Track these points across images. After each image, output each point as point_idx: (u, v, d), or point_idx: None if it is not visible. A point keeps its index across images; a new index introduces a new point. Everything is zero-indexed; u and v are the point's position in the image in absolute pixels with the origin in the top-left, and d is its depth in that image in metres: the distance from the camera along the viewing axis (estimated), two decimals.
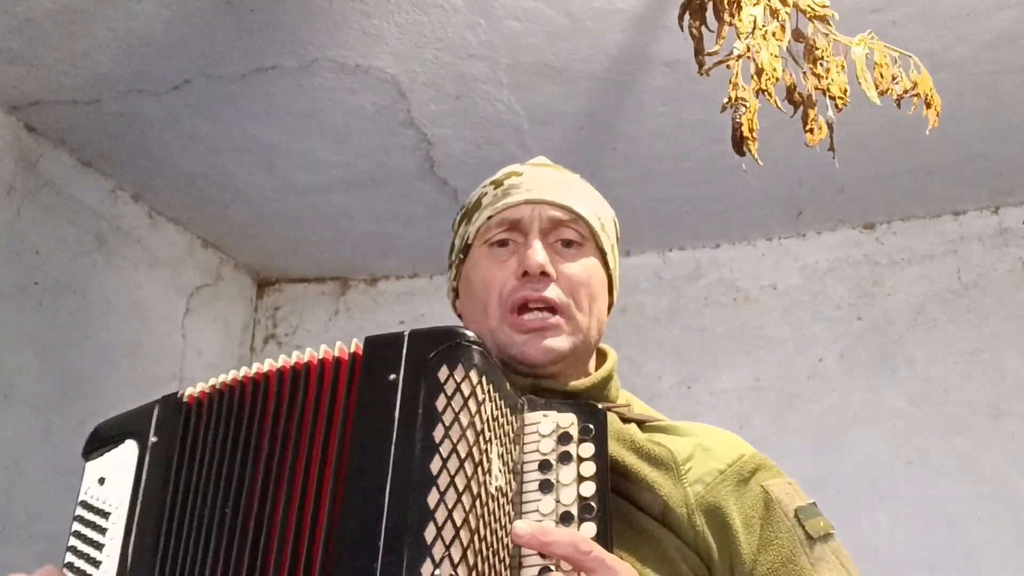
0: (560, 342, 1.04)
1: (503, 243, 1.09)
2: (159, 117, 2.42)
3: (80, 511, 1.00)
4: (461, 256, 1.14)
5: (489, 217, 1.10)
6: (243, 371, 0.95)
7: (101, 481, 1.00)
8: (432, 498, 0.77)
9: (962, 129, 2.38)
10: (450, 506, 0.77)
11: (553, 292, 1.04)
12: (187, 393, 0.98)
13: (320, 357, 0.91)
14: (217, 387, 0.96)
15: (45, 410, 2.46)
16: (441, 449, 0.79)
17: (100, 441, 1.04)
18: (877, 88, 1.53)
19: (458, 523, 0.76)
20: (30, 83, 2.28)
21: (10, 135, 2.43)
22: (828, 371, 2.81)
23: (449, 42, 2.13)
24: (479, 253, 1.10)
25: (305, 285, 3.43)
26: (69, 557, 0.96)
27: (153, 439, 0.97)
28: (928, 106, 1.54)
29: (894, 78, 1.54)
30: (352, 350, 0.89)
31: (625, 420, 1.05)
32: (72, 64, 2.21)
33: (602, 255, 1.12)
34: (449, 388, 0.81)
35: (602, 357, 1.14)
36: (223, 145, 2.55)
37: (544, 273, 1.04)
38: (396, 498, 0.78)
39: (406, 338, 0.85)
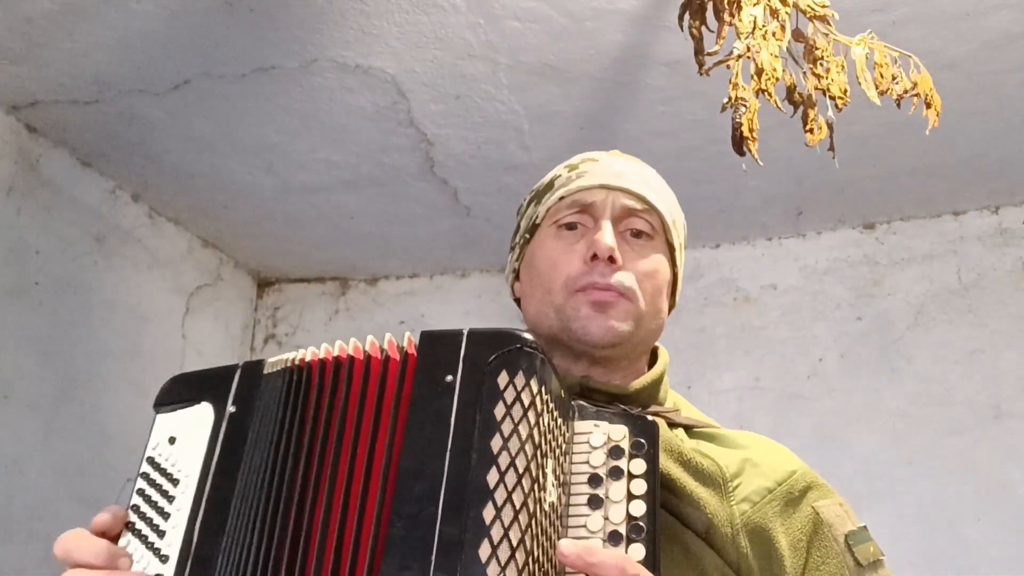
0: (622, 324, 1.01)
1: (572, 226, 1.05)
2: (159, 117, 2.42)
3: (147, 467, 0.94)
4: (527, 236, 1.10)
5: (561, 198, 1.07)
6: (312, 351, 0.91)
7: (172, 440, 0.94)
8: (488, 513, 0.73)
9: (962, 129, 2.38)
10: (506, 524, 0.73)
11: (619, 279, 1.01)
12: (269, 363, 0.94)
13: (366, 350, 0.87)
14: (288, 364, 0.91)
15: (45, 410, 2.46)
16: (499, 461, 0.75)
17: (175, 396, 0.98)
18: (877, 88, 1.53)
19: (514, 543, 0.73)
20: (30, 83, 2.29)
21: (10, 135, 2.43)
22: (828, 371, 2.81)
23: (449, 42, 2.13)
24: (547, 233, 1.07)
25: (305, 285, 3.43)
26: (131, 517, 0.91)
27: (231, 409, 0.93)
28: (928, 106, 1.54)
29: (894, 78, 1.54)
30: (405, 345, 0.86)
31: (672, 425, 1.02)
32: (72, 64, 2.21)
33: (671, 251, 1.09)
34: (508, 396, 0.78)
35: (652, 356, 1.11)
36: (223, 145, 2.55)
37: (612, 258, 1.01)
38: (450, 509, 0.75)
39: (464, 337, 0.82)
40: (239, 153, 2.59)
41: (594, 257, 1.01)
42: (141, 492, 0.93)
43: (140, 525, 0.91)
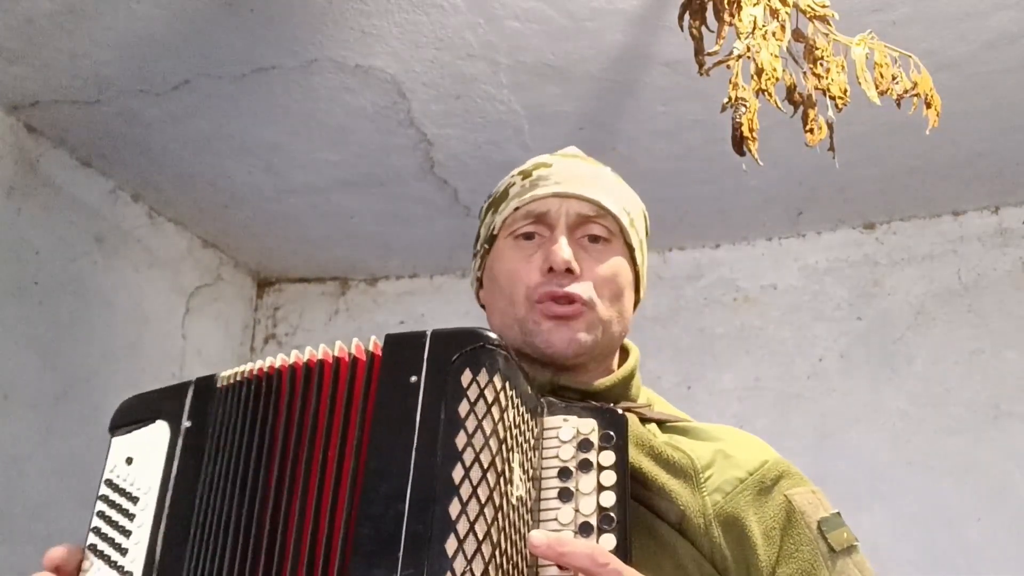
0: (584, 335, 1.02)
1: (529, 236, 1.07)
2: (159, 117, 2.42)
3: (105, 490, 0.96)
4: (486, 246, 1.12)
5: (516, 208, 1.08)
6: (269, 361, 0.92)
7: (129, 461, 0.96)
8: (454, 508, 0.75)
9: (962, 129, 2.38)
10: (472, 518, 0.74)
11: (578, 288, 1.03)
12: (221, 377, 0.95)
13: (335, 354, 0.89)
14: (246, 375, 0.93)
15: (45, 410, 2.46)
16: (464, 457, 0.76)
17: (129, 417, 0.99)
18: (877, 88, 1.53)
19: (480, 536, 0.74)
20: (30, 83, 2.28)
21: (10, 135, 2.43)
22: (828, 371, 2.81)
23: (449, 42, 2.13)
24: (504, 244, 1.09)
25: (305, 285, 3.43)
26: (93, 539, 0.93)
27: (187, 424, 0.94)
28: (928, 106, 1.54)
29: (894, 78, 1.54)
30: (370, 348, 0.87)
31: (644, 420, 1.03)
32: (72, 64, 2.21)
33: (630, 251, 1.10)
34: (472, 393, 0.79)
35: (623, 354, 1.13)
36: (223, 145, 2.55)
37: (569, 270, 1.02)
38: (417, 506, 0.76)
39: (428, 339, 0.83)
40: (239, 153, 2.59)
41: (550, 270, 1.03)
42: (101, 514, 0.94)
43: (102, 546, 0.92)
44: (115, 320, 2.73)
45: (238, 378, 0.94)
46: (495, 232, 1.11)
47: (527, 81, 2.26)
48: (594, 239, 1.07)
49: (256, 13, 2.04)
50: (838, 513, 1.01)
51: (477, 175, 2.66)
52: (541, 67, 2.21)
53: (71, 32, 2.09)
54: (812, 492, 1.02)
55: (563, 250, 1.03)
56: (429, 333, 0.84)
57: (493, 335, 0.83)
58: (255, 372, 0.92)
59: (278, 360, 0.91)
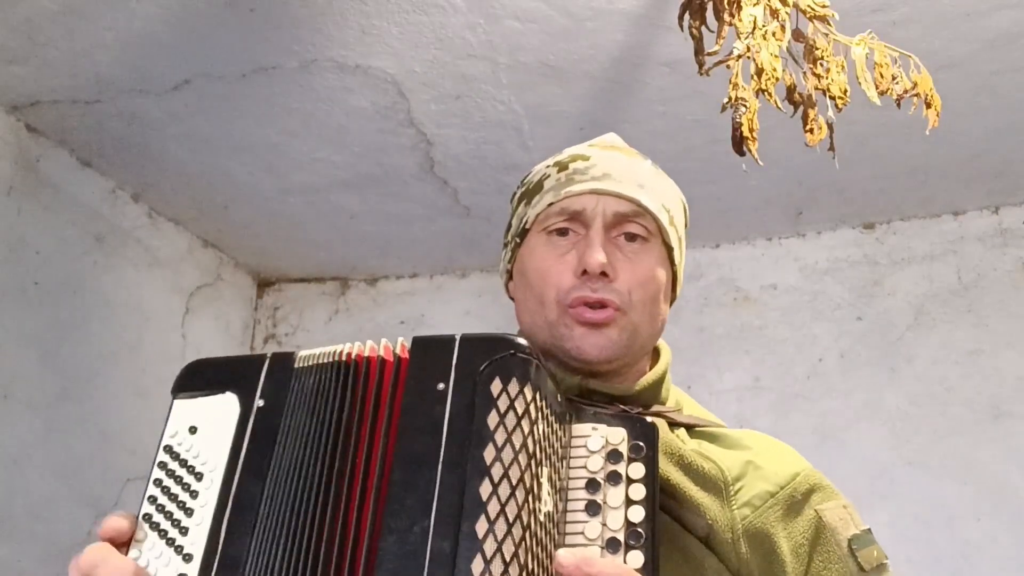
0: (616, 339, 0.99)
1: (563, 232, 1.03)
2: (159, 117, 2.42)
3: (164, 457, 0.89)
4: (518, 240, 1.08)
5: (550, 204, 1.04)
6: (349, 346, 0.87)
7: (192, 430, 0.89)
8: (481, 527, 0.72)
9: (962, 129, 2.38)
10: (500, 537, 0.72)
11: (611, 294, 0.99)
12: (300, 357, 0.90)
13: (366, 354, 0.85)
14: (325, 358, 0.88)
15: (45, 410, 2.46)
16: (492, 472, 0.74)
17: (196, 381, 0.93)
18: (877, 88, 1.53)
19: (507, 557, 0.71)
20: (30, 83, 2.28)
21: (10, 135, 2.43)
22: (828, 371, 2.81)
23: (449, 42, 2.13)
24: (537, 240, 1.05)
25: (305, 285, 3.43)
26: (148, 508, 0.87)
27: (260, 403, 0.88)
28: (928, 106, 1.54)
29: (894, 78, 1.54)
30: (397, 350, 0.84)
31: (674, 425, 1.01)
32: (72, 64, 2.21)
33: (668, 250, 1.06)
34: (502, 404, 0.76)
35: (655, 353, 1.10)
36: (223, 145, 2.55)
37: (603, 273, 0.99)
38: (443, 522, 0.73)
39: (456, 344, 0.80)
40: (239, 153, 2.59)
41: (584, 272, 0.99)
42: (159, 483, 0.88)
43: (159, 519, 0.87)
44: (115, 320, 2.73)
45: (315, 361, 0.89)
46: (527, 226, 1.06)
47: (527, 81, 2.26)
48: (631, 238, 1.03)
49: (256, 13, 2.04)
50: (869, 529, 0.99)
51: (477, 175, 2.66)
52: (541, 67, 2.21)
53: (71, 32, 2.09)
54: (843, 507, 1.00)
55: (598, 253, 0.99)
56: (458, 338, 0.81)
57: (524, 342, 0.80)
58: (331, 357, 0.87)
59: (355, 347, 0.87)
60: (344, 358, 0.86)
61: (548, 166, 1.09)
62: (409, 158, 2.59)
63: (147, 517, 0.87)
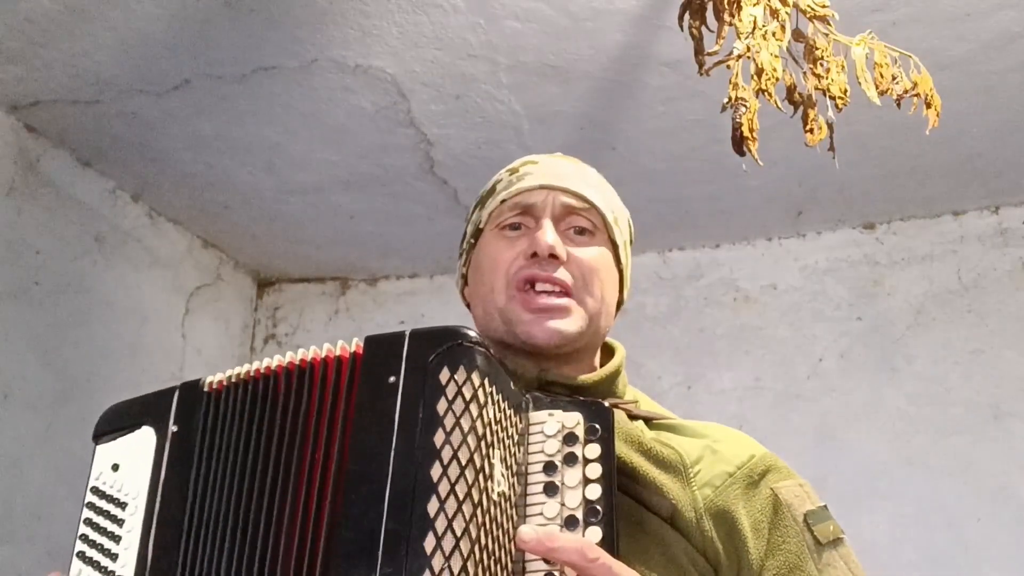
0: (567, 324, 1.02)
1: (515, 227, 1.07)
2: (159, 117, 2.42)
3: (91, 497, 0.95)
4: (472, 241, 1.12)
5: (503, 201, 1.09)
6: (255, 365, 0.92)
7: (115, 467, 0.95)
8: (432, 506, 0.75)
9: (962, 129, 2.38)
10: (450, 515, 0.75)
11: (562, 274, 1.03)
12: (207, 382, 0.95)
13: (323, 356, 0.89)
14: (233, 379, 0.93)
15: (45, 410, 2.46)
16: (442, 455, 0.77)
17: (113, 425, 0.99)
18: (877, 88, 1.53)
19: (458, 533, 0.74)
20: (30, 83, 2.28)
21: (10, 135, 2.43)
22: (828, 371, 2.81)
23: (449, 42, 2.13)
24: (490, 236, 1.09)
25: (305, 285, 3.43)
26: (81, 546, 0.93)
27: (173, 428, 0.93)
28: (928, 106, 1.54)
29: (894, 78, 1.54)
30: (353, 349, 0.87)
31: (632, 417, 1.03)
32: (72, 64, 2.21)
33: (614, 247, 1.10)
34: (450, 391, 0.79)
35: (608, 353, 1.12)
36: (223, 145, 2.55)
37: (554, 255, 1.02)
38: (395, 506, 0.76)
39: (406, 338, 0.83)
40: (239, 153, 2.59)
41: (534, 255, 1.02)
42: (88, 521, 0.94)
43: (91, 552, 0.91)
44: (115, 320, 2.73)
45: (225, 382, 0.93)
46: (481, 226, 1.11)
47: (527, 81, 2.26)
48: (580, 231, 1.07)
49: (256, 13, 2.04)
50: (825, 506, 1.02)
51: (477, 175, 2.65)
52: (541, 67, 2.21)
53: (71, 32, 2.09)
54: (799, 485, 1.02)
55: (548, 235, 1.03)
56: (408, 333, 0.84)
57: (472, 332, 0.83)
58: (242, 376, 0.92)
59: (263, 363, 0.91)
60: (254, 374, 0.91)
61: (500, 173, 1.14)
62: (409, 158, 2.59)
63: (80, 555, 0.92)
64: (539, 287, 1.02)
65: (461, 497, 0.76)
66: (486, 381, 0.81)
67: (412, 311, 3.30)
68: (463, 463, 0.77)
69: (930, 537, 2.54)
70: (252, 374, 0.92)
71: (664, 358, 2.96)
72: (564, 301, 1.02)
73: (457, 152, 2.55)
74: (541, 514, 0.83)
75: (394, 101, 2.35)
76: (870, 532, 2.57)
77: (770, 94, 1.50)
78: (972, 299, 2.73)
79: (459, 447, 0.77)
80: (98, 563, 0.90)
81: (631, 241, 1.16)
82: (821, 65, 1.54)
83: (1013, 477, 2.52)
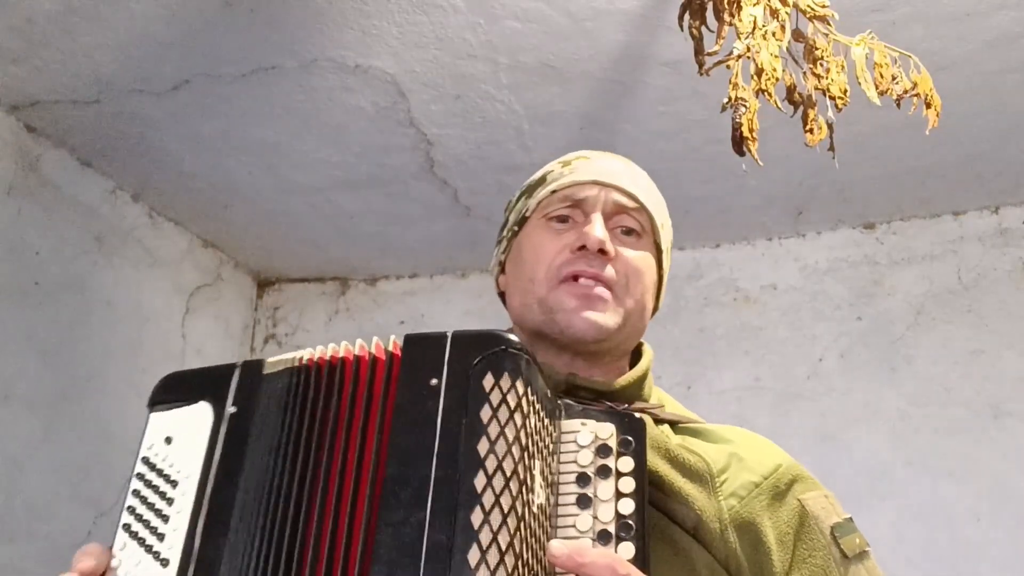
0: (606, 318, 1.00)
1: (563, 219, 1.05)
2: (159, 117, 2.42)
3: (142, 468, 0.92)
4: (515, 229, 1.09)
5: (553, 191, 1.06)
6: (319, 350, 0.89)
7: (168, 440, 0.92)
8: (476, 517, 0.73)
9: (962, 129, 2.38)
10: (495, 527, 0.73)
11: (608, 271, 1.01)
12: (268, 363, 0.92)
13: (356, 353, 0.87)
14: (294, 364, 0.90)
15: (45, 410, 2.46)
16: (486, 465, 0.75)
17: (170, 394, 0.95)
18: (877, 88, 1.53)
19: (503, 547, 0.72)
20: (30, 83, 2.28)
21: (10, 135, 2.43)
22: (828, 371, 2.81)
23: (449, 42, 2.13)
24: (536, 225, 1.06)
25: (305, 285, 3.43)
26: (128, 518, 0.90)
27: (231, 409, 0.91)
28: (928, 106, 1.54)
29: (894, 78, 1.54)
30: (390, 348, 0.85)
31: (658, 421, 1.02)
32: (72, 64, 2.21)
33: (658, 252, 1.08)
34: (494, 398, 0.77)
35: (637, 354, 1.11)
36: (223, 145, 2.55)
37: (603, 250, 1.00)
38: (438, 515, 0.74)
39: (448, 340, 0.81)
40: (239, 153, 2.59)
41: (582, 248, 1.00)
42: (137, 493, 0.91)
43: (137, 527, 0.89)
44: (115, 320, 2.73)
45: (284, 366, 0.90)
46: (527, 215, 1.08)
47: (527, 81, 2.26)
48: (627, 231, 1.05)
49: (256, 13, 2.04)
50: (850, 518, 1.01)
51: (477, 175, 2.66)
52: (541, 67, 2.21)
53: (71, 32, 2.09)
54: (825, 496, 1.01)
55: (597, 229, 1.00)
56: (450, 335, 0.82)
57: (515, 338, 0.82)
58: (298, 362, 0.89)
59: (318, 351, 0.89)
60: (316, 361, 0.88)
61: (551, 165, 1.11)
62: (409, 158, 2.59)
63: (126, 527, 0.89)
64: (583, 282, 1.00)
65: (505, 509, 0.74)
66: (528, 389, 0.80)
67: (412, 311, 3.30)
68: (507, 474, 0.75)
69: (930, 537, 2.54)
70: (313, 361, 0.88)
71: (664, 358, 2.96)
72: (607, 292, 1.00)
73: (457, 152, 2.55)
74: (574, 526, 0.82)
75: (394, 101, 2.35)
76: (870, 532, 2.55)
77: (770, 94, 1.50)
78: (972, 299, 2.73)
79: (503, 457, 0.75)
80: (143, 540, 0.88)
81: (671, 249, 1.14)
82: (821, 65, 1.54)
83: (1013, 477, 2.52)
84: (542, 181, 1.09)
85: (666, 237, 1.10)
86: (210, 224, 3.02)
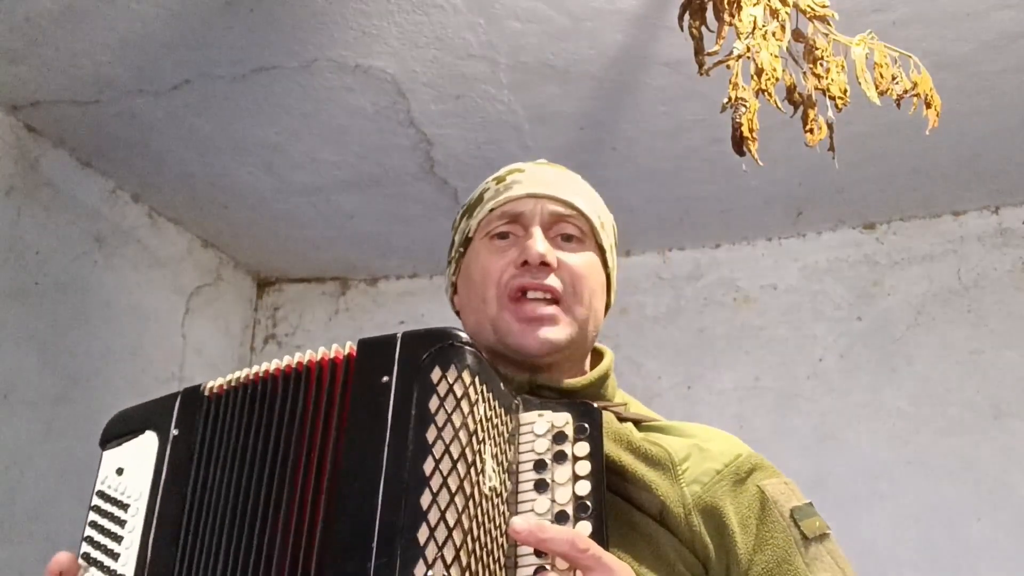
0: (557, 332, 1.03)
1: (504, 235, 1.09)
2: (159, 117, 2.42)
3: (97, 500, 0.99)
4: (461, 251, 1.14)
5: (491, 210, 1.10)
6: (255, 369, 0.94)
7: (119, 471, 0.99)
8: (425, 499, 0.77)
9: (962, 129, 2.38)
10: (443, 507, 0.77)
11: (553, 280, 1.04)
12: (208, 387, 0.97)
13: (318, 358, 0.91)
14: (232, 384, 0.95)
15: (45, 410, 2.46)
16: (434, 450, 0.79)
17: (119, 430, 1.03)
18: (877, 88, 1.53)
19: (451, 524, 0.76)
20: (30, 83, 2.28)
21: (10, 135, 2.43)
22: (828, 371, 2.81)
23: (449, 42, 2.13)
24: (480, 246, 1.10)
25: (305, 285, 3.43)
26: (86, 547, 0.96)
27: (174, 432, 0.97)
28: (928, 106, 1.54)
29: (894, 78, 1.54)
30: (347, 352, 0.89)
31: (622, 419, 1.05)
32: (72, 64, 2.21)
33: (601, 253, 1.12)
34: (442, 389, 0.81)
35: (598, 357, 1.14)
36: (223, 145, 2.55)
37: (545, 263, 1.04)
38: (389, 500, 0.78)
39: (399, 340, 0.86)
40: (239, 153, 2.59)
41: (525, 263, 1.04)
42: (93, 524, 0.96)
43: (95, 554, 0.94)
44: (115, 320, 2.73)
45: (225, 387, 0.96)
46: (470, 235, 1.12)
47: (527, 81, 2.26)
48: (567, 238, 1.09)
49: (256, 13, 2.04)
50: (810, 503, 1.04)
51: (477, 175, 2.64)
52: (541, 67, 2.21)
53: (71, 32, 2.09)
54: (784, 483, 1.04)
55: (538, 243, 1.04)
56: (400, 335, 0.86)
57: (462, 333, 0.86)
58: (241, 380, 0.95)
59: (263, 367, 0.94)
60: (253, 378, 0.94)
61: (487, 182, 1.15)
62: (409, 158, 2.59)
63: (85, 556, 0.95)
64: (530, 295, 1.04)
65: (453, 490, 0.78)
66: (476, 380, 0.83)
67: (412, 311, 3.30)
68: (455, 457, 0.79)
69: (930, 537, 2.54)
70: (251, 378, 0.94)
71: (664, 358, 2.96)
72: (553, 309, 1.04)
73: (457, 152, 2.55)
74: (532, 510, 0.85)
75: (394, 101, 2.35)
76: (870, 532, 2.57)
77: (770, 94, 1.50)
78: (972, 299, 2.73)
79: (451, 442, 0.79)
80: (101, 563, 0.93)
81: (616, 245, 1.18)
82: (821, 65, 1.54)
83: (1013, 477, 2.52)
84: (480, 200, 1.13)
85: (607, 235, 1.13)
86: (210, 224, 3.02)
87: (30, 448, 2.40)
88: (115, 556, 0.92)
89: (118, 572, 0.91)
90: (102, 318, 2.68)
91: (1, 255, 2.39)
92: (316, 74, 2.25)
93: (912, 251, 2.83)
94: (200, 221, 3.00)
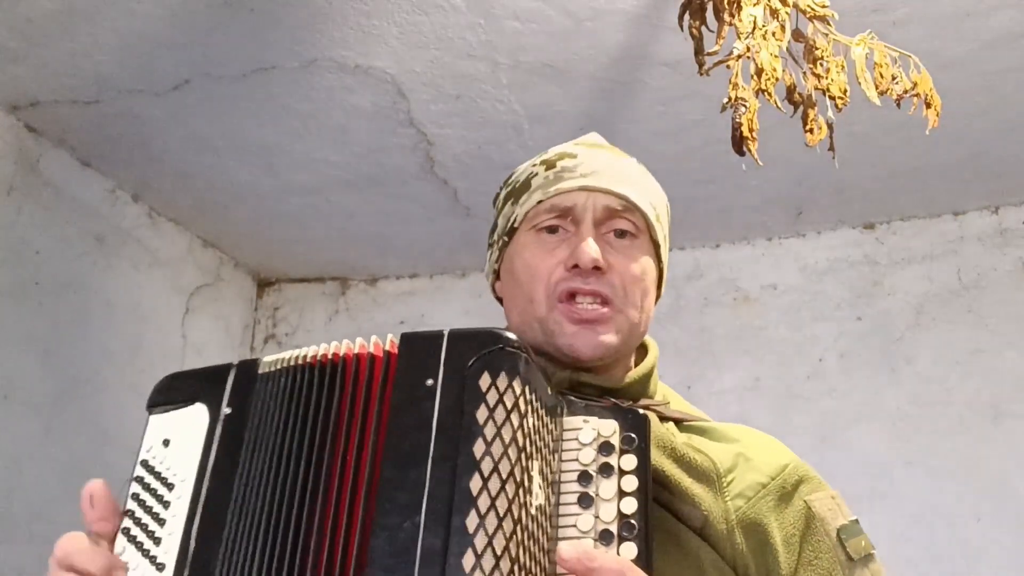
0: (610, 337, 0.99)
1: (552, 230, 1.02)
2: (159, 117, 2.42)
3: (141, 471, 0.92)
4: (506, 239, 1.07)
5: (539, 202, 1.03)
6: (312, 350, 0.88)
7: (166, 443, 0.92)
8: (471, 521, 0.72)
9: (962, 129, 2.38)
10: (490, 532, 0.72)
11: (605, 286, 0.99)
12: (263, 363, 0.91)
13: (356, 351, 0.85)
14: (288, 363, 0.88)
15: (45, 410, 2.46)
16: (482, 467, 0.73)
17: (168, 396, 0.95)
18: (877, 88, 1.53)
19: (498, 551, 0.71)
20: (30, 83, 2.28)
21: (10, 135, 2.43)
22: (828, 371, 2.81)
23: (449, 42, 2.13)
24: (526, 238, 1.04)
25: (305, 285, 3.43)
26: (127, 523, 0.90)
27: (226, 410, 0.90)
28: (928, 106, 1.54)
29: (894, 78, 1.54)
30: (387, 347, 0.84)
31: (663, 419, 1.01)
32: (72, 64, 2.21)
33: (655, 247, 1.06)
34: (491, 398, 0.76)
35: (642, 351, 1.10)
36: (223, 145, 2.55)
37: (597, 268, 0.98)
38: (433, 519, 0.73)
39: (444, 339, 0.80)
40: (239, 153, 2.59)
41: (575, 266, 0.98)
42: (136, 496, 0.91)
43: (136, 531, 0.89)
44: (115, 320, 2.73)
45: (279, 366, 0.89)
46: (516, 224, 1.06)
47: (527, 81, 2.26)
48: (621, 234, 1.02)
49: (256, 13, 2.04)
50: (856, 520, 1.00)
51: (477, 175, 2.66)
52: (541, 67, 2.21)
53: (71, 32, 2.09)
54: (832, 498, 1.00)
55: (591, 247, 0.98)
56: (446, 333, 0.80)
57: (512, 336, 0.80)
58: (294, 362, 0.88)
59: (319, 350, 0.87)
60: (311, 360, 0.87)
61: (534, 165, 1.08)
62: (409, 158, 2.59)
63: (125, 531, 0.89)
64: (580, 299, 0.99)
65: (501, 513, 0.73)
66: (526, 389, 0.78)
67: (412, 311, 3.30)
68: (504, 476, 0.74)
69: (930, 537, 2.54)
70: (308, 360, 0.87)
71: (664, 358, 2.94)
72: (606, 311, 0.99)
73: (457, 152, 2.55)
74: (575, 526, 0.80)
75: (394, 101, 2.35)
76: (870, 532, 2.56)
77: (770, 94, 1.50)
78: (972, 299, 2.73)
79: (500, 459, 0.74)
80: (141, 544, 0.88)
81: (669, 235, 1.12)
82: (821, 65, 1.54)
83: (1013, 477, 2.52)
84: (527, 186, 1.06)
85: (662, 227, 1.07)
86: (210, 224, 3.02)
87: (30, 448, 2.40)
88: (156, 540, 0.87)
89: (157, 559, 0.86)
90: (102, 318, 2.68)
91: (1, 255, 2.39)
92: (316, 74, 2.25)
93: (912, 251, 2.83)
94: (200, 221, 3.00)
